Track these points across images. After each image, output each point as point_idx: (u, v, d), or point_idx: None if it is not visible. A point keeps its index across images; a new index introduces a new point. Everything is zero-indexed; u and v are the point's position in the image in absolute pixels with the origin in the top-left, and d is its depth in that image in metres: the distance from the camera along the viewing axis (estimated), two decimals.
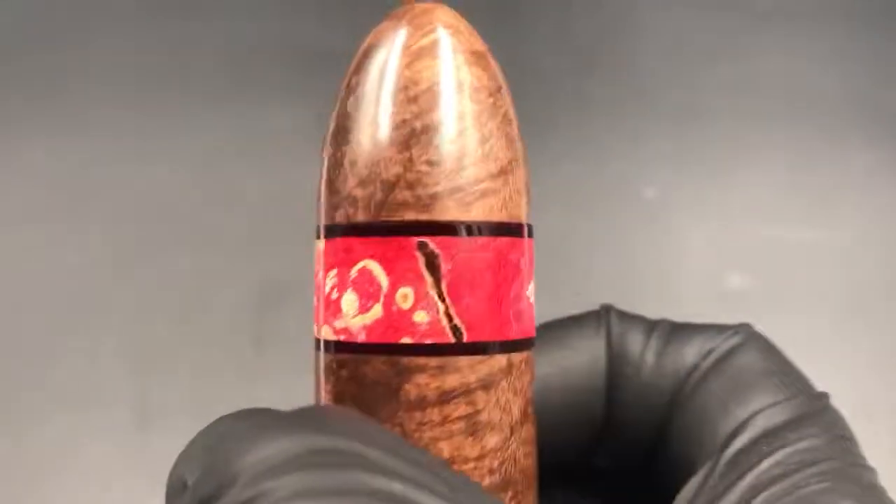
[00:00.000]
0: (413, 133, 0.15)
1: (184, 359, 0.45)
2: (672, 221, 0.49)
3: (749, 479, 0.14)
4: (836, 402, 0.16)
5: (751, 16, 0.61)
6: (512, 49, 0.63)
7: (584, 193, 0.50)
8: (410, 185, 0.15)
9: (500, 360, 0.15)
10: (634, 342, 0.17)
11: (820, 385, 0.16)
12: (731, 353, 0.16)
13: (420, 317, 0.15)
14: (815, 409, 0.15)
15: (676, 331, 0.18)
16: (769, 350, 0.16)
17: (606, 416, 0.17)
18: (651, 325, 0.18)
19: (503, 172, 0.16)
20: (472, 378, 0.15)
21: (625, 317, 0.18)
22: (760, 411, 0.15)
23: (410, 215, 0.15)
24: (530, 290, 0.16)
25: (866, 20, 0.61)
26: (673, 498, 0.14)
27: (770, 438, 0.14)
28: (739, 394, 0.15)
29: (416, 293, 0.15)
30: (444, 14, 0.17)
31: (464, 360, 0.15)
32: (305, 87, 0.58)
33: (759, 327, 0.18)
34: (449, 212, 0.15)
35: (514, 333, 0.15)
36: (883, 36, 0.60)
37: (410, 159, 0.15)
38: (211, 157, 0.51)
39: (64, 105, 0.54)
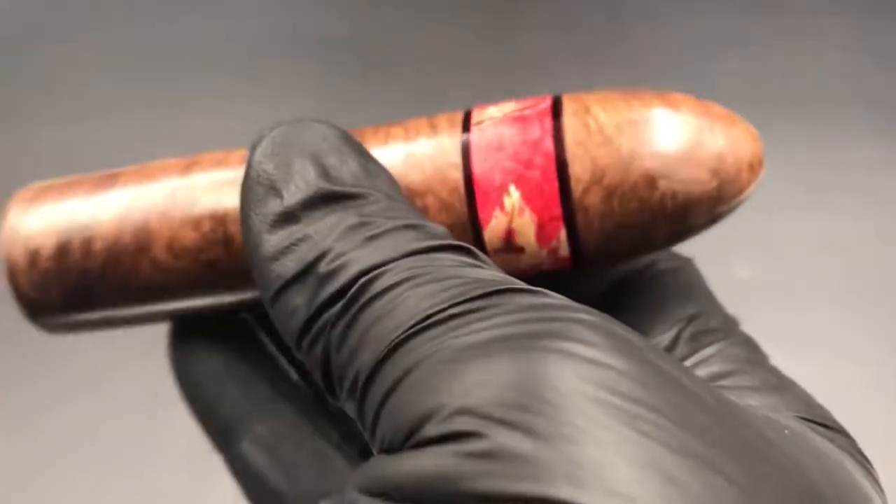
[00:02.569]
0: None
1: None
2: None
3: (710, 349, 0.18)
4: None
5: (754, 9, 0.61)
6: (514, 37, 0.63)
7: None
8: None
9: None
10: None
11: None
12: (680, 267, 0.21)
13: None
14: (736, 324, 0.20)
15: None
16: (702, 278, 0.21)
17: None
18: None
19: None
20: None
21: None
22: (705, 312, 0.20)
23: None
24: None
25: (869, 13, 0.61)
26: None
27: (717, 331, 0.19)
28: (692, 293, 0.20)
29: None
30: None
31: None
32: (310, 80, 0.58)
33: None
34: None
35: None
36: (885, 28, 0.60)
37: None
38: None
39: (66, 98, 0.55)
